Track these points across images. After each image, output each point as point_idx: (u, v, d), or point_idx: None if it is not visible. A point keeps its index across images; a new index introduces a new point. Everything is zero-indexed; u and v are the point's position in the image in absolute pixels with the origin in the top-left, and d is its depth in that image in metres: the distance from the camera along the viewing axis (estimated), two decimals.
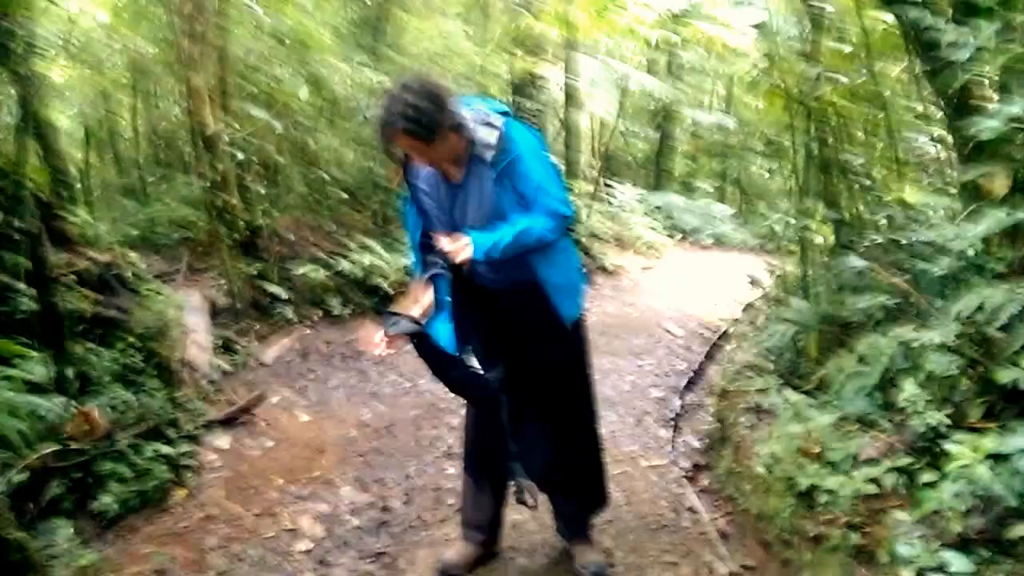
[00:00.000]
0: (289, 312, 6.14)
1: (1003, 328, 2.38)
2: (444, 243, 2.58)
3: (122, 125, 11.11)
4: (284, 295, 6.18)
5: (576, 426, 3.02)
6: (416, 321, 2.61)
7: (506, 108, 2.73)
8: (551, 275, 2.70)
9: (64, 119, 8.92)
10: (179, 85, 7.00)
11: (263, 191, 6.61)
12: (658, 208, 12.23)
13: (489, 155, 2.53)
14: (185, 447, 4.00)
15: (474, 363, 2.83)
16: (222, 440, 4.34)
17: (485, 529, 3.15)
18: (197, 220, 6.84)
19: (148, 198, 9.41)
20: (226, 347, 5.52)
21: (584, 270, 2.96)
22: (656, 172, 14.44)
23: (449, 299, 2.70)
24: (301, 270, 6.37)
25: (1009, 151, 2.61)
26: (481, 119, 2.56)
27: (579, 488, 3.10)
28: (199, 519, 3.56)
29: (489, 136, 2.54)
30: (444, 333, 2.68)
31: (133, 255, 5.34)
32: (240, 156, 6.13)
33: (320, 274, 6.38)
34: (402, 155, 2.65)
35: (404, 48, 9.08)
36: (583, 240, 8.94)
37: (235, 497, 3.79)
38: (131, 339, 4.33)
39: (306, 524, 3.58)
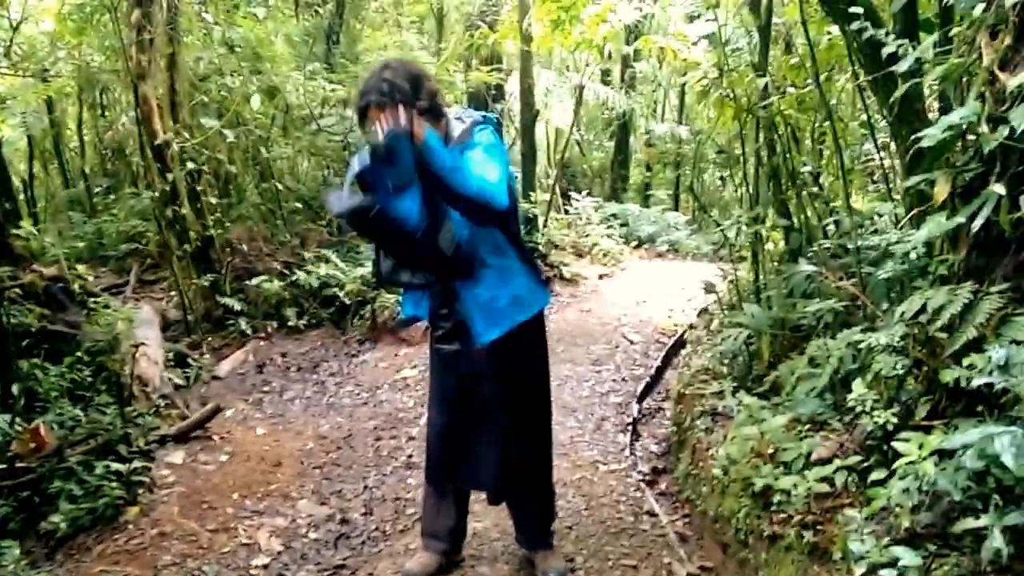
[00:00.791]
0: (244, 324, 6.05)
1: (946, 329, 2.45)
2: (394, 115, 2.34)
3: (68, 135, 10.85)
4: (238, 307, 6.09)
5: (540, 431, 3.05)
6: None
7: (492, 116, 2.81)
8: (505, 292, 2.75)
9: (6, 129, 8.68)
10: (128, 94, 6.89)
11: (215, 201, 6.51)
12: (615, 216, 12.35)
13: (453, 143, 2.61)
14: (137, 463, 3.91)
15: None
16: (176, 455, 4.25)
17: (446, 538, 3.14)
18: (147, 232, 6.71)
19: (96, 210, 9.20)
20: (179, 361, 5.42)
21: (542, 279, 2.96)
22: (612, 181, 14.60)
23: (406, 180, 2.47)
24: (256, 281, 6.28)
25: (949, 158, 2.70)
26: (456, 115, 2.74)
27: (542, 494, 3.12)
28: (153, 536, 3.48)
29: (458, 129, 2.68)
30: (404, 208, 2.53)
31: (81, 268, 5.22)
32: (191, 166, 6.04)
33: (275, 285, 6.30)
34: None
35: (359, 58, 9.04)
36: (541, 248, 8.98)
37: (190, 513, 3.71)
38: (80, 354, 4.23)
39: (263, 539, 3.53)
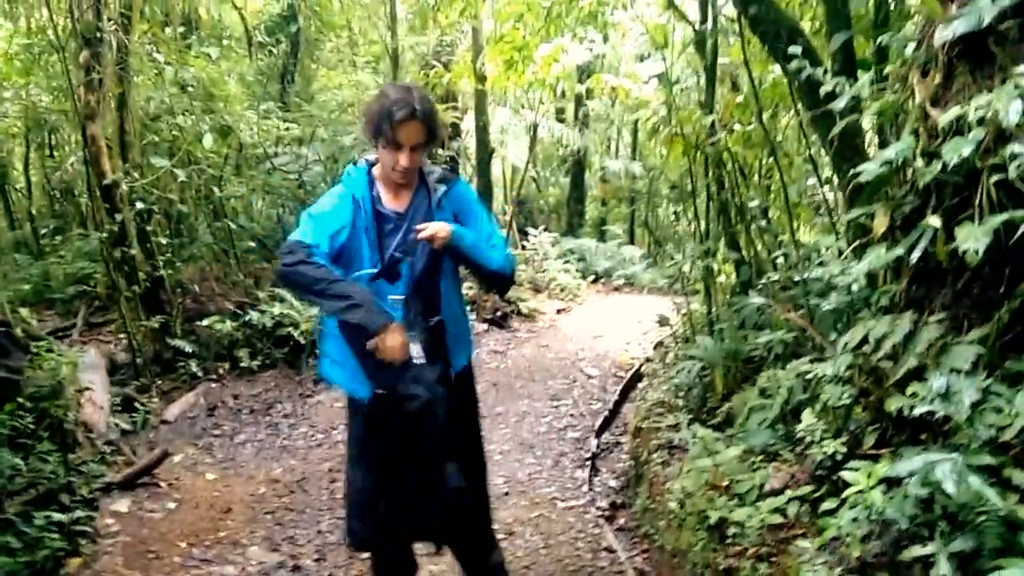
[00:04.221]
0: (194, 366, 5.92)
1: (889, 358, 2.50)
2: (433, 227, 2.50)
3: (15, 176, 10.63)
4: (189, 349, 5.96)
5: (480, 476, 2.97)
6: None
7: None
8: (452, 320, 2.69)
9: None
10: (76, 134, 6.78)
11: (165, 241, 6.41)
12: (572, 252, 12.46)
13: (433, 182, 2.66)
14: (80, 513, 3.77)
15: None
16: (121, 504, 4.11)
17: None
18: (95, 273, 6.56)
19: (43, 252, 8.98)
20: (126, 405, 5.27)
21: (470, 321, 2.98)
22: (569, 216, 14.74)
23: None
24: (207, 322, 6.16)
25: (888, 192, 2.79)
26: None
27: (490, 532, 3.06)
28: None
29: (433, 169, 2.72)
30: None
31: (24, 311, 5.07)
32: (141, 206, 5.94)
33: (227, 326, 6.19)
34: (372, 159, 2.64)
35: (313, 97, 9.05)
36: None
37: (134, 564, 3.58)
38: (21, 400, 4.08)
39: None
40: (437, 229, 2.50)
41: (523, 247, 11.55)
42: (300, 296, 2.55)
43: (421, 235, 2.49)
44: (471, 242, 2.61)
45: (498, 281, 2.81)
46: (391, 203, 2.65)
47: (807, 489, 2.67)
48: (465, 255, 2.61)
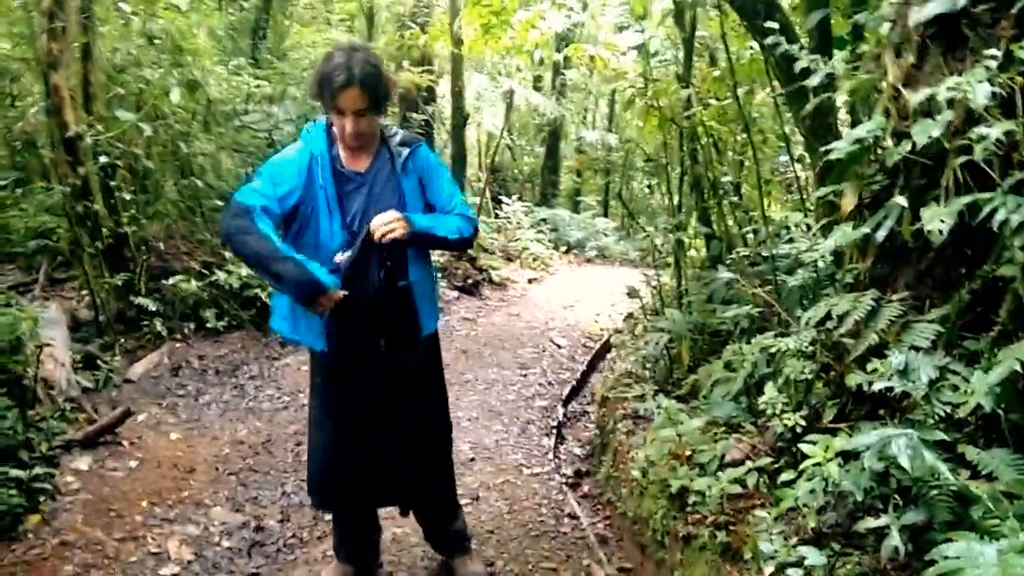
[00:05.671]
0: (159, 325, 5.83)
1: (851, 334, 2.55)
2: (380, 220, 2.47)
3: None
4: (153, 307, 5.86)
5: (445, 443, 3.00)
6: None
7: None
8: (420, 284, 2.69)
9: None
10: (38, 84, 6.55)
11: (130, 197, 6.25)
12: (545, 221, 12.45)
13: (395, 145, 2.65)
14: (39, 470, 3.71)
15: None
16: (82, 461, 4.06)
17: (361, 554, 3.06)
18: (58, 228, 6.38)
19: (3, 205, 8.74)
20: (88, 363, 5.18)
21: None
22: (543, 186, 14.71)
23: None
24: (172, 281, 6.06)
25: (857, 171, 2.81)
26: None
27: (454, 498, 3.10)
28: (54, 546, 3.31)
29: (396, 131, 2.72)
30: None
31: None
32: (105, 160, 5.79)
33: (193, 285, 6.09)
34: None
35: (285, 54, 8.86)
36: (471, 251, 8.97)
37: (95, 521, 3.55)
38: None
39: (173, 548, 3.40)
40: (391, 225, 2.47)
41: (496, 215, 11.51)
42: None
43: (378, 236, 2.47)
44: (427, 224, 2.60)
45: (460, 248, 2.85)
46: (351, 163, 2.62)
47: (767, 460, 2.72)
48: (424, 239, 2.62)
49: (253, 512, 3.75)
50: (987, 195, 2.08)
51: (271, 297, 2.81)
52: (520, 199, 12.42)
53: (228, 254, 6.54)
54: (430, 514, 3.06)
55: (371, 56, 2.52)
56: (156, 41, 6.76)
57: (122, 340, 5.67)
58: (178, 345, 5.91)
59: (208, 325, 6.14)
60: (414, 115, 10.48)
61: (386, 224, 2.47)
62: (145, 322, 5.85)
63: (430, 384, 2.88)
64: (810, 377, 2.69)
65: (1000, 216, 1.99)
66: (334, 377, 2.73)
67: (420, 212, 2.66)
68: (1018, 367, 1.88)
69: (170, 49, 6.87)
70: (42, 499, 3.60)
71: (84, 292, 5.81)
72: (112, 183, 5.98)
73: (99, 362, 5.24)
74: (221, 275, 6.26)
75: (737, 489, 2.69)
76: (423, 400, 2.82)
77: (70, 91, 5.58)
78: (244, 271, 6.30)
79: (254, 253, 2.41)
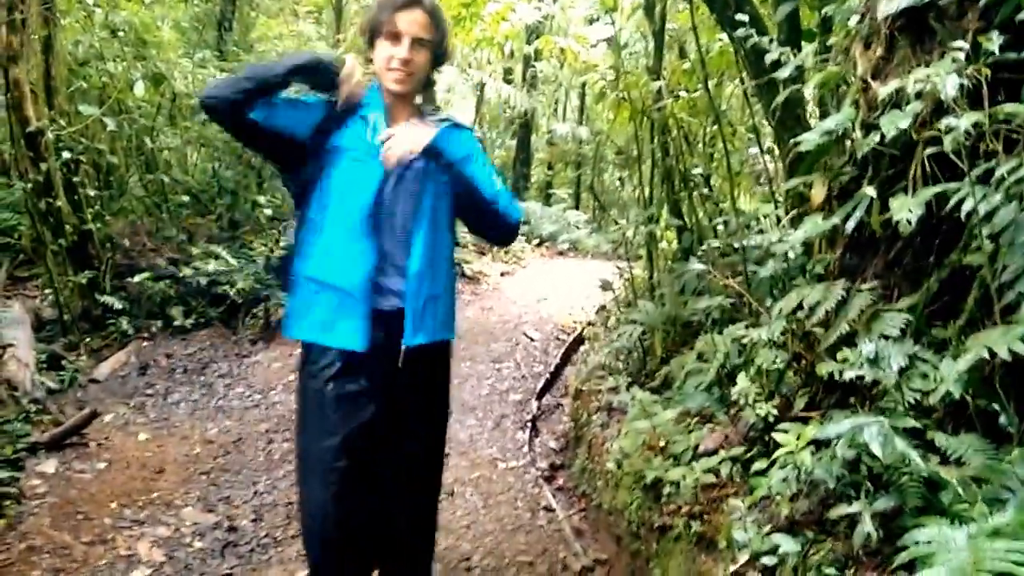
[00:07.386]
0: (125, 324, 5.73)
1: (822, 324, 2.57)
2: (393, 133, 2.13)
3: None
4: (119, 305, 5.76)
5: (435, 497, 2.59)
6: None
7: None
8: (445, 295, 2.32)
9: None
10: None
11: (94, 193, 6.14)
12: None
13: (435, 120, 2.25)
14: (4, 473, 3.64)
15: None
16: (47, 464, 3.98)
17: None
18: (19, 225, 6.25)
19: None
20: (52, 363, 5.08)
21: None
22: (514, 179, 14.67)
23: None
24: (138, 279, 5.96)
25: (827, 162, 2.84)
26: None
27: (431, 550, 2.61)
28: (20, 551, 3.24)
29: (436, 111, 2.35)
30: None
31: None
32: (67, 155, 5.67)
33: (160, 283, 5.99)
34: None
35: (252, 46, 8.73)
36: None
37: (62, 525, 3.48)
38: None
39: (143, 550, 3.34)
40: (407, 137, 2.10)
41: None
42: (233, 115, 2.08)
43: (389, 150, 2.10)
44: (463, 155, 2.18)
45: (501, 222, 2.29)
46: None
47: (740, 450, 2.74)
48: (457, 170, 2.18)
49: (225, 512, 3.70)
50: (955, 185, 2.10)
51: (290, 298, 2.29)
52: None
53: (195, 251, 6.44)
54: (423, 554, 2.55)
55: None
56: (119, 33, 6.63)
57: (88, 339, 5.58)
58: (145, 344, 5.82)
59: (176, 323, 6.05)
60: None
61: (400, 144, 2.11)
62: (111, 321, 5.75)
63: (435, 416, 2.48)
64: (782, 367, 2.72)
65: (968, 206, 2.01)
66: (324, 394, 2.21)
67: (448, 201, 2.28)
68: (986, 354, 1.90)
69: (134, 42, 6.74)
70: (7, 503, 3.52)
71: (48, 291, 5.69)
72: (75, 179, 5.86)
73: (64, 362, 5.14)
74: (188, 272, 6.16)
75: (711, 479, 2.71)
76: (426, 437, 2.43)
77: (31, 85, 5.46)
78: (212, 267, 6.20)
79: (250, 73, 2.11)
